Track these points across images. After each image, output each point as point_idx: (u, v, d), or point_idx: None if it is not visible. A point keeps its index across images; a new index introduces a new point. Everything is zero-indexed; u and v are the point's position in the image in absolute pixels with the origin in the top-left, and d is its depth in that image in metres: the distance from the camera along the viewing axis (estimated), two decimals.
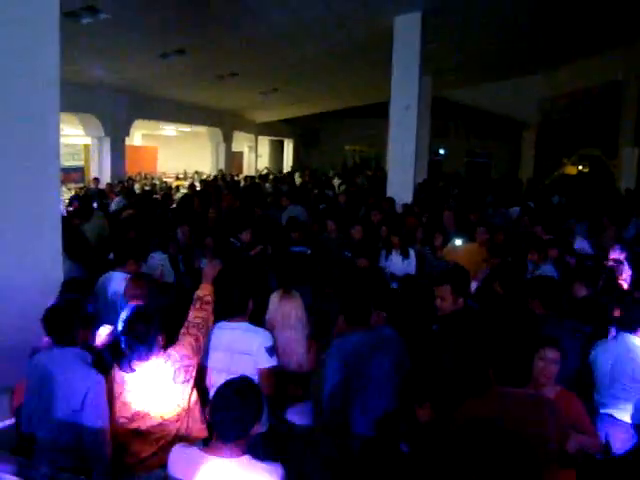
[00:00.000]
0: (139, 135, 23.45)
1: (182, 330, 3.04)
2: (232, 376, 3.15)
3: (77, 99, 12.96)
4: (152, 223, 7.38)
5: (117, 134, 14.84)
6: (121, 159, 15.18)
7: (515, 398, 2.52)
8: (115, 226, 7.30)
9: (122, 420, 2.78)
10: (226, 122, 20.64)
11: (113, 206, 9.85)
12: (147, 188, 14.73)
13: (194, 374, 2.93)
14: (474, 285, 5.27)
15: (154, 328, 2.81)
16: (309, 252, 6.46)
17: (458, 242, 6.39)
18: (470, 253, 6.19)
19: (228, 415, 2.20)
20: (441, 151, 26.20)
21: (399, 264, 6.50)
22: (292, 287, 3.79)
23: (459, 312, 3.48)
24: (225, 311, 3.36)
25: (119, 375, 2.81)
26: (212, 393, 3.29)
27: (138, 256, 4.60)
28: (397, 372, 3.43)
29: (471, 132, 25.20)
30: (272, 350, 3.25)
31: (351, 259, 6.17)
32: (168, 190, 14.39)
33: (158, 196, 11.97)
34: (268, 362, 3.22)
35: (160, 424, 2.79)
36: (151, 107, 16.02)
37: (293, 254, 6.28)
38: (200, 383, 3.13)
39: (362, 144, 29.29)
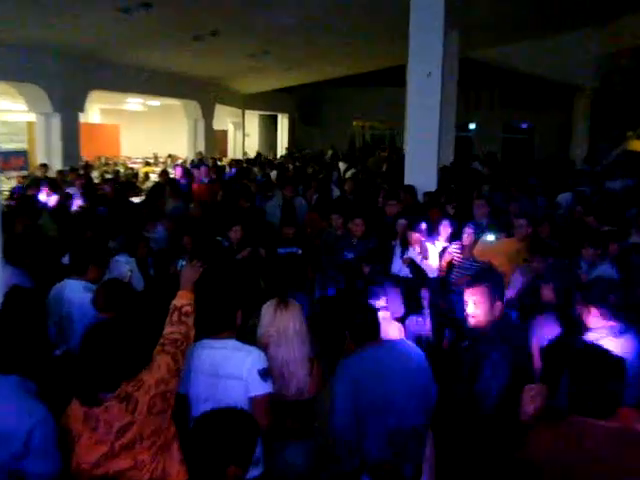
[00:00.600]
0: (97, 110, 23.50)
1: (157, 348, 3.04)
2: (216, 406, 3.20)
3: (16, 66, 12.98)
4: (114, 219, 7.42)
5: (69, 109, 14.87)
6: (75, 140, 15.24)
7: (596, 433, 2.51)
8: (67, 223, 7.34)
9: (84, 466, 2.76)
10: (206, 94, 20.68)
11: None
12: (108, 176, 14.75)
13: (172, 402, 2.93)
14: (511, 292, 5.30)
15: (124, 348, 2.80)
16: (300, 253, 6.53)
17: (490, 237, 6.43)
18: (507, 251, 6.21)
19: (209, 454, 2.20)
20: (471, 126, 26.22)
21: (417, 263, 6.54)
22: (289, 295, 3.82)
23: (498, 323, 3.49)
24: (208, 326, 3.37)
25: (79, 410, 2.79)
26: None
27: (101, 261, 4.62)
28: (420, 397, 3.44)
29: (509, 102, 25.18)
30: (267, 373, 3.26)
31: (354, 262, 6.22)
32: (133, 178, 14.43)
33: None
34: (262, 388, 3.23)
35: (132, 468, 2.78)
36: (111, 75, 16.02)
37: (281, 256, 6.35)
38: (179, 414, 3.14)
39: (374, 119, 29.30)
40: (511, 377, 3.28)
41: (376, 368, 3.36)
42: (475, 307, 3.56)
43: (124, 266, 5.31)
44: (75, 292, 4.24)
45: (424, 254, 6.42)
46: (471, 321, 3.61)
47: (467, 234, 6.63)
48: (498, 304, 3.55)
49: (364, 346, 3.45)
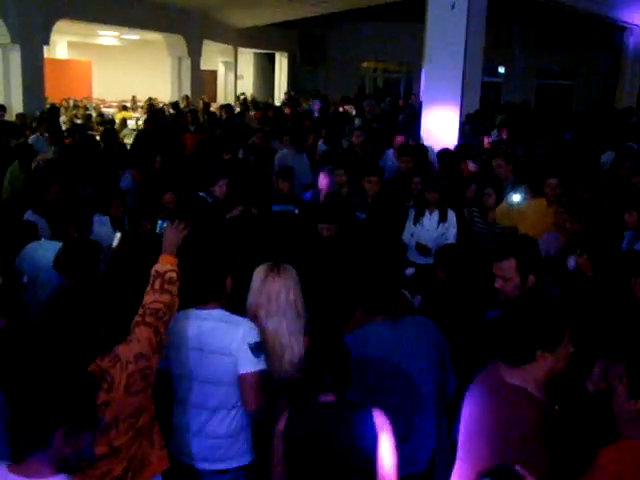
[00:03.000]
0: (64, 44, 23.29)
1: (135, 319, 3.07)
2: (204, 384, 3.26)
3: None
4: (87, 171, 7.44)
5: (31, 41, 14.63)
6: (38, 78, 15.05)
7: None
8: (32, 176, 7.36)
9: None
10: (192, 27, 20.45)
11: None
12: (78, 121, 14.68)
13: (153, 380, 2.98)
14: None
15: (91, 319, 2.83)
16: (297, 212, 6.56)
17: (516, 198, 6.42)
18: (534, 214, 6.22)
19: None
20: (501, 70, 25.97)
21: (433, 230, 6.59)
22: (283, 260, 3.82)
23: (531, 293, 3.49)
24: (193, 294, 3.41)
25: None
26: (175, 407, 3.40)
27: (82, 223, 4.67)
28: (438, 384, 3.49)
29: (544, 41, 24.88)
30: (259, 348, 3.30)
31: (366, 223, 6.23)
32: (110, 125, 14.34)
33: (96, 133, 11.98)
34: (254, 365, 3.27)
35: (107, 455, 2.83)
36: (80, 1, 15.81)
37: (275, 215, 6.38)
38: (161, 393, 3.19)
39: (387, 61, 29.01)
40: None
41: (387, 346, 3.39)
42: (504, 282, 3.56)
43: (95, 226, 5.31)
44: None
45: None
46: (501, 296, 3.65)
47: (487, 195, 6.68)
48: (531, 276, 3.56)
49: (374, 320, 3.48)
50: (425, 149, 9.04)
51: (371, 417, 2.88)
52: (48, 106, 15.03)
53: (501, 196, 6.70)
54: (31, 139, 10.20)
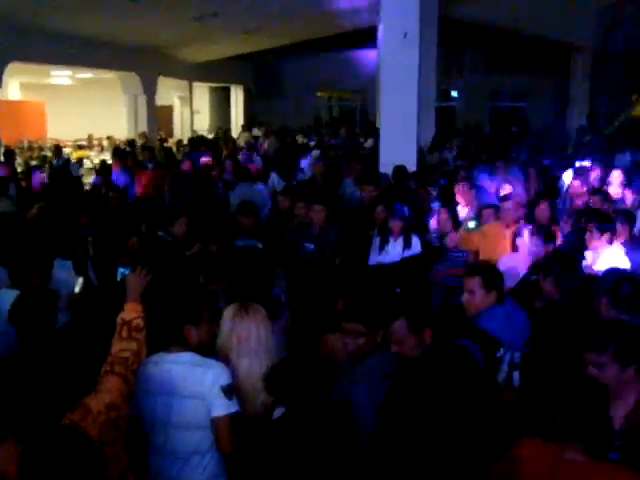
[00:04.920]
0: (16, 86, 23.10)
1: (104, 368, 3.04)
2: (177, 429, 3.21)
3: None
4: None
5: None
6: None
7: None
8: None
9: None
10: (146, 64, 20.40)
11: None
12: (34, 163, 14.51)
13: (124, 430, 2.93)
14: None
15: (52, 376, 2.80)
16: (260, 246, 6.55)
17: (471, 224, 6.59)
18: (492, 238, 6.34)
19: None
20: (454, 93, 26.32)
21: (397, 257, 6.64)
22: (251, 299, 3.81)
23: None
24: (160, 339, 3.37)
25: (13, 450, 2.66)
26: (150, 453, 3.34)
27: (42, 269, 4.60)
28: None
29: (496, 65, 25.33)
30: (231, 390, 3.27)
31: (316, 255, 6.31)
32: (65, 163, 14.22)
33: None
34: (226, 407, 3.24)
35: None
36: (32, 43, 15.67)
37: (238, 250, 6.37)
38: (133, 440, 3.13)
39: (342, 89, 29.23)
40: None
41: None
42: (469, 295, 3.76)
43: (57, 271, 5.22)
44: None
45: None
46: (467, 311, 3.73)
47: (442, 220, 6.76)
48: (493, 292, 3.63)
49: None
50: (392, 176, 9.10)
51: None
52: (2, 148, 14.87)
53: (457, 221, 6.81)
54: None
